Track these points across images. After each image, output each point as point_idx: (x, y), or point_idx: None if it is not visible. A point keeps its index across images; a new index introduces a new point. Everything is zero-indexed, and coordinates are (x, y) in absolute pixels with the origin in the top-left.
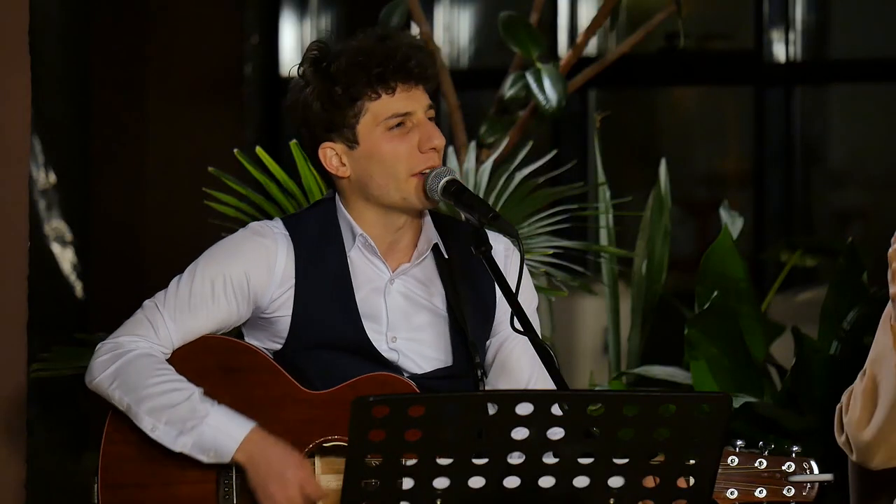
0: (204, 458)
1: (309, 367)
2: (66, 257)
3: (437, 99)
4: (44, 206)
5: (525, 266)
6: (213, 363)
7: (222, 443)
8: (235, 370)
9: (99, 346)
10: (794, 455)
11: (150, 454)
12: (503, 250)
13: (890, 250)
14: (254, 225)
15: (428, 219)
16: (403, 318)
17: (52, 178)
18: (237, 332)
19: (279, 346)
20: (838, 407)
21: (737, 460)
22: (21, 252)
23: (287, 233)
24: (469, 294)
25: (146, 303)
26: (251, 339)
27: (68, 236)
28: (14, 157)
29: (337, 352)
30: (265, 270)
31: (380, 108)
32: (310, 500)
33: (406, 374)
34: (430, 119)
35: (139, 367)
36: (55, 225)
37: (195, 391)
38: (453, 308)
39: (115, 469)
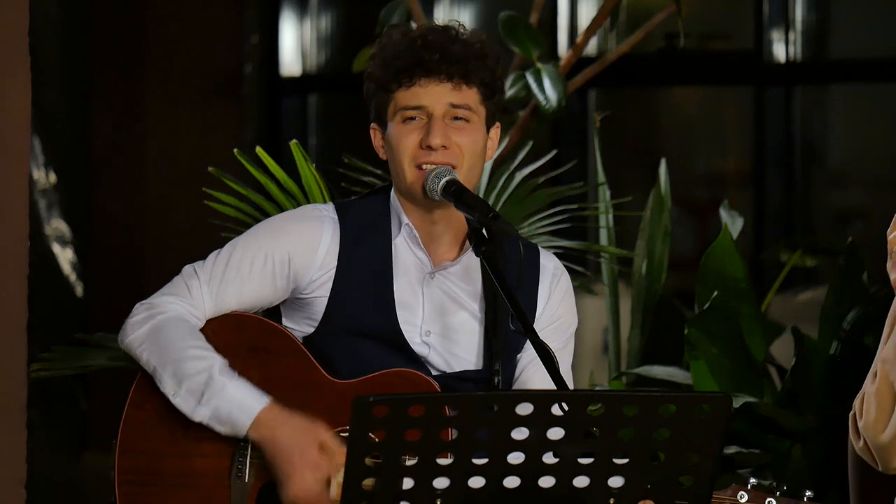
0: (221, 430)
1: (338, 354)
2: (66, 257)
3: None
4: (44, 206)
5: (568, 288)
6: (243, 341)
7: (237, 418)
8: (264, 351)
9: (136, 306)
10: (805, 499)
11: (170, 424)
12: (552, 269)
13: (890, 237)
14: (304, 207)
15: None
16: (439, 313)
17: (52, 178)
18: (275, 313)
19: (312, 330)
20: (851, 414)
21: (746, 497)
22: (21, 252)
23: (336, 217)
24: (506, 302)
25: (185, 268)
26: (287, 321)
27: (68, 236)
28: (14, 157)
29: (367, 340)
30: (308, 252)
31: (399, 100)
32: (323, 478)
33: (434, 372)
34: (456, 116)
35: (169, 330)
36: (55, 225)
37: (216, 362)
38: (489, 313)
39: (135, 435)
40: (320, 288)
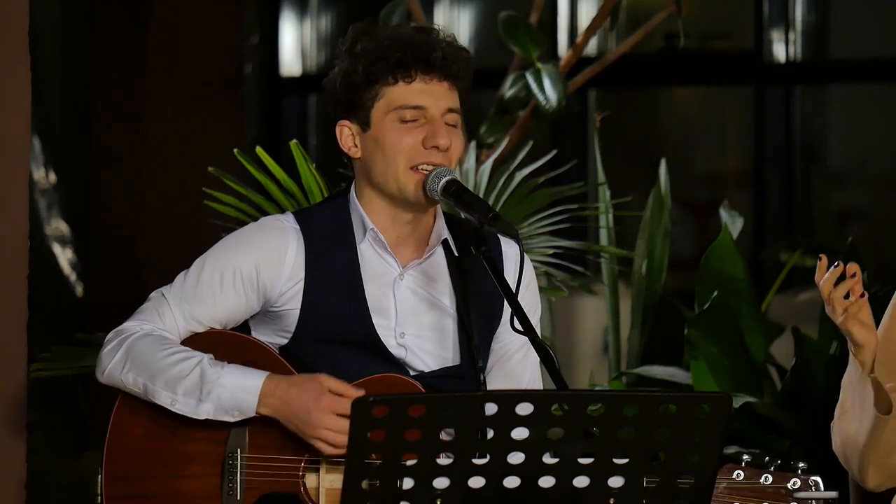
0: (230, 419)
1: (315, 363)
2: (66, 257)
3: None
4: (44, 206)
5: (532, 275)
6: (222, 357)
7: (242, 400)
8: (245, 364)
9: (107, 336)
10: (800, 472)
11: (155, 446)
12: (514, 255)
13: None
14: (265, 219)
15: (441, 216)
16: (412, 314)
17: (52, 178)
18: (244, 326)
19: (285, 341)
20: (833, 423)
21: (742, 475)
22: (21, 252)
23: (298, 226)
24: (477, 294)
25: (152, 293)
26: (257, 334)
27: (68, 236)
28: (14, 157)
29: (344, 347)
30: (275, 264)
31: (394, 96)
32: (345, 415)
33: (412, 372)
34: (449, 121)
35: (145, 345)
36: (55, 225)
37: (204, 357)
38: (460, 307)
39: (121, 461)
40: (291, 300)
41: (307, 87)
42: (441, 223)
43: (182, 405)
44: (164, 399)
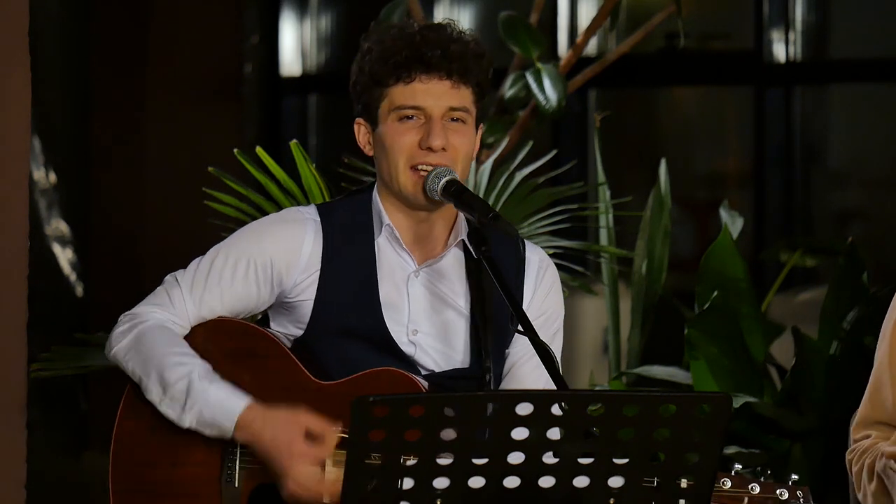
0: (209, 433)
1: (328, 355)
2: (66, 257)
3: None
4: (44, 206)
5: (553, 281)
6: (229, 347)
7: (220, 422)
8: (250, 355)
9: (120, 317)
10: (790, 483)
11: (160, 434)
12: (537, 262)
13: None
14: (286, 209)
15: (462, 217)
16: (425, 312)
17: (52, 178)
18: (264, 317)
19: (301, 333)
20: (848, 460)
21: (729, 483)
22: (21, 252)
23: (318, 218)
24: (494, 297)
25: (167, 277)
26: (275, 325)
27: (68, 236)
28: (14, 157)
29: (356, 341)
30: (290, 255)
31: (395, 96)
32: (316, 465)
33: (424, 371)
34: (453, 118)
35: (151, 339)
36: (55, 225)
37: (196, 367)
38: (475, 309)
39: (127, 446)
40: (305, 291)
41: (307, 87)
42: (461, 224)
43: (167, 408)
44: (153, 397)
